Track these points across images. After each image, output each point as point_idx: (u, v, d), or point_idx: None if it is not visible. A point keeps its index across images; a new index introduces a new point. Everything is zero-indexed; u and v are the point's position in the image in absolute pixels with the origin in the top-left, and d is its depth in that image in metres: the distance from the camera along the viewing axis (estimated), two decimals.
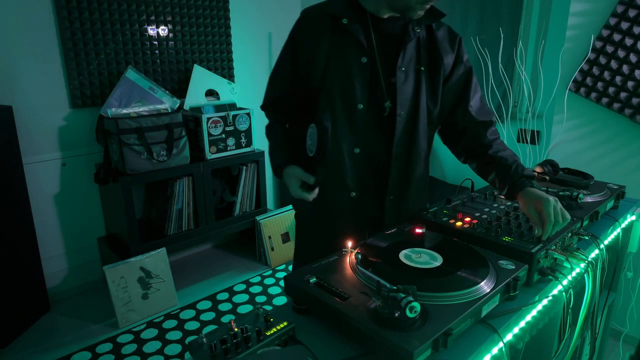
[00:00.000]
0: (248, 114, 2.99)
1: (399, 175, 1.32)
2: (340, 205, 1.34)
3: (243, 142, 3.02)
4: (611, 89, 2.16)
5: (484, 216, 1.25)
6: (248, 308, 2.68)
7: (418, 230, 1.19)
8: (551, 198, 1.12)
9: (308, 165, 1.34)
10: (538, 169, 1.59)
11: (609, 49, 2.14)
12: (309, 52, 1.27)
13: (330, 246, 1.11)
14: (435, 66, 1.29)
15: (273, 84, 1.40)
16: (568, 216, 1.12)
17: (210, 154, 2.85)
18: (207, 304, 2.71)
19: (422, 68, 1.27)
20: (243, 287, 2.90)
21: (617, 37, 2.10)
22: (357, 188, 1.32)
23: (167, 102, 2.73)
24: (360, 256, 1.03)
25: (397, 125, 1.27)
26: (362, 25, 1.24)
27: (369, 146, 1.30)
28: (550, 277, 1.06)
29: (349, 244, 1.09)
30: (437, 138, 1.48)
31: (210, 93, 3.03)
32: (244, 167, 3.10)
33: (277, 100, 1.41)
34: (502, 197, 1.42)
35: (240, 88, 3.20)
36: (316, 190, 1.26)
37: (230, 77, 3.29)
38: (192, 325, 2.50)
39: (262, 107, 1.45)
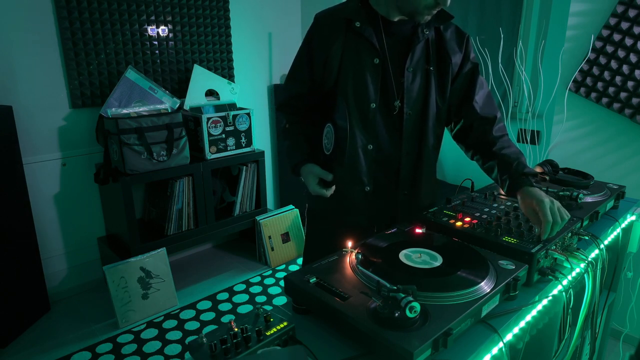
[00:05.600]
0: (248, 114, 2.99)
1: (409, 171, 1.37)
2: (354, 199, 1.39)
3: (243, 142, 3.02)
4: (611, 89, 2.16)
5: (484, 216, 1.25)
6: (248, 308, 2.68)
7: (418, 230, 1.19)
8: (547, 199, 1.14)
9: (325, 164, 1.41)
10: (538, 169, 1.59)
11: (609, 49, 2.14)
12: (323, 54, 1.32)
13: (343, 240, 1.15)
14: (443, 66, 1.33)
15: (289, 85, 1.45)
16: (566, 215, 1.13)
17: (210, 154, 2.85)
18: (207, 304, 2.71)
19: (431, 68, 1.32)
20: (243, 287, 2.91)
21: (617, 37, 2.10)
22: (370, 183, 1.37)
23: (167, 102, 2.73)
24: (360, 256, 1.03)
25: (405, 123, 1.32)
26: (374, 28, 1.29)
27: (381, 143, 1.35)
28: (550, 277, 1.06)
29: (349, 244, 1.09)
30: None
31: (210, 93, 3.03)
32: (244, 167, 3.10)
33: (293, 101, 1.45)
34: (503, 196, 1.42)
35: (240, 88, 3.20)
36: (333, 187, 1.33)
37: (230, 77, 3.29)
38: (192, 325, 2.50)
39: (278, 108, 1.50)
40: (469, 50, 1.37)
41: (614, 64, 2.14)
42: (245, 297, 2.79)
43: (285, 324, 0.85)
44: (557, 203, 1.14)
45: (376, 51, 1.28)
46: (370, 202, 1.38)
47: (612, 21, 2.11)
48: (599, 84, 2.20)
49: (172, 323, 2.52)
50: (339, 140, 1.36)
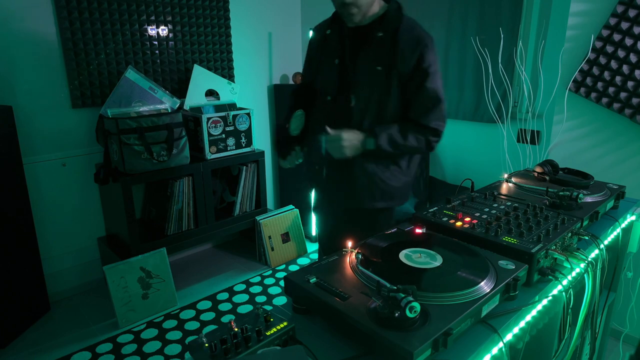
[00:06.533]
0: (248, 114, 2.99)
1: (360, 156, 1.55)
2: (313, 175, 1.73)
3: (243, 142, 3.02)
4: (611, 89, 2.16)
5: (484, 216, 1.25)
6: (248, 308, 2.68)
7: (418, 230, 1.19)
8: (345, 134, 1.45)
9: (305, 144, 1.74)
10: (538, 169, 1.59)
11: (609, 49, 2.14)
12: (312, 55, 1.73)
13: (321, 210, 1.79)
14: (392, 67, 1.49)
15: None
16: (337, 152, 1.47)
17: (210, 154, 2.85)
18: (207, 304, 2.71)
19: (379, 68, 1.50)
20: (243, 287, 2.91)
21: (617, 37, 2.10)
22: (324, 163, 1.65)
23: (167, 102, 2.73)
24: (360, 256, 1.03)
25: (354, 115, 1.55)
26: (341, 34, 1.58)
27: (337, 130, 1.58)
28: (550, 277, 1.06)
29: (349, 243, 1.09)
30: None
31: (210, 93, 3.03)
32: (244, 167, 3.10)
33: (303, 88, 1.79)
34: (503, 196, 1.42)
35: (240, 88, 3.20)
36: (289, 161, 1.66)
37: (230, 77, 3.29)
38: (192, 325, 2.50)
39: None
40: (423, 59, 1.47)
41: (614, 64, 2.14)
42: (245, 297, 2.79)
43: (285, 324, 0.85)
44: (344, 142, 1.44)
45: (336, 53, 1.57)
46: (324, 178, 1.68)
47: (612, 21, 2.11)
48: (599, 84, 2.20)
49: (172, 323, 2.52)
50: (308, 125, 1.68)
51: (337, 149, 1.47)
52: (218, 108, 2.93)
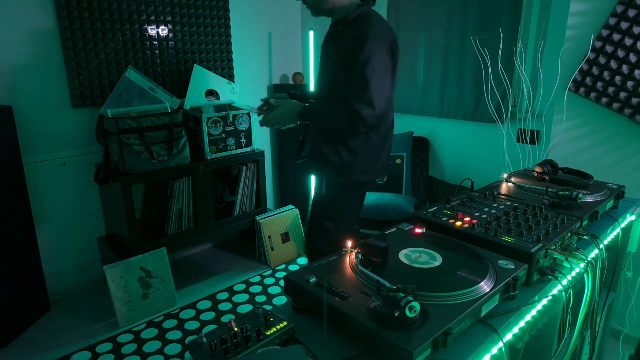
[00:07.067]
0: (248, 114, 2.99)
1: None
2: (302, 149, 2.07)
3: (243, 142, 3.02)
4: (611, 89, 2.16)
5: (484, 216, 1.25)
6: (248, 308, 2.68)
7: (418, 230, 1.19)
8: (283, 108, 1.78)
9: None
10: (538, 169, 1.59)
11: (609, 49, 2.14)
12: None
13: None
14: (335, 55, 1.75)
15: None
16: (267, 120, 1.80)
17: (210, 154, 2.85)
18: (207, 304, 2.71)
19: (335, 54, 1.75)
20: (243, 287, 2.91)
21: (617, 37, 2.10)
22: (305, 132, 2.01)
23: (167, 102, 2.73)
24: (360, 256, 1.03)
25: (319, 96, 1.88)
26: (329, 31, 1.87)
27: None
28: (550, 277, 1.06)
29: (349, 243, 1.09)
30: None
31: (210, 93, 3.03)
32: (244, 167, 3.10)
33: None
34: (503, 196, 1.42)
35: (240, 88, 3.20)
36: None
37: (230, 77, 3.29)
38: (192, 325, 2.50)
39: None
40: (360, 45, 1.61)
41: (613, 64, 2.14)
42: (245, 297, 2.79)
43: (285, 324, 0.85)
44: (276, 115, 1.78)
45: (324, 46, 1.87)
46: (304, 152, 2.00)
47: (612, 21, 2.11)
48: (599, 84, 2.20)
49: (172, 323, 2.52)
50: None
51: (277, 118, 1.79)
52: (218, 108, 2.93)
